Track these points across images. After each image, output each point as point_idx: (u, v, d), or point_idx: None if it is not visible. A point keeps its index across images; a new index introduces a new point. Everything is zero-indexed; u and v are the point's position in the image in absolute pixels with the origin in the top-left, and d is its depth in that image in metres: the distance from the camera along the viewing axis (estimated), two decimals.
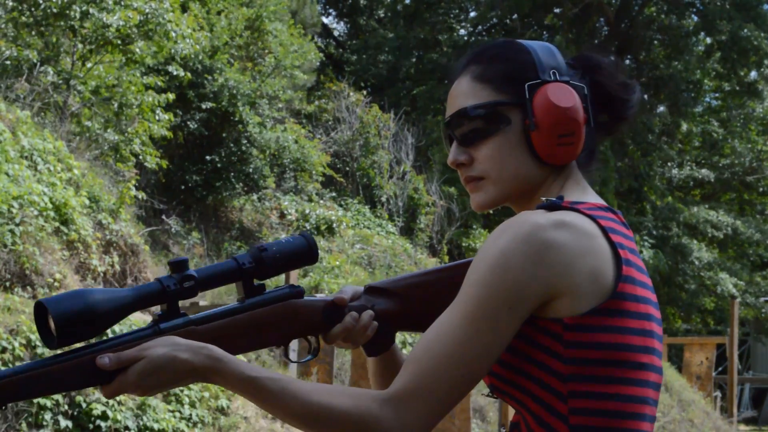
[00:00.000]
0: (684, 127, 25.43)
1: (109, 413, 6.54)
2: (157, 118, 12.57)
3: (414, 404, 1.51)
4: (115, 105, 12.09)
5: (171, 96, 12.72)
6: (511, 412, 8.59)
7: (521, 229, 1.53)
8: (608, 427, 1.54)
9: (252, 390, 1.54)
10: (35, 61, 11.34)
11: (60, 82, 11.45)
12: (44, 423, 6.39)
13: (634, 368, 1.55)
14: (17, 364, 6.44)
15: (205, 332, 1.61)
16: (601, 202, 1.66)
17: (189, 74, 13.82)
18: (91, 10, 11.28)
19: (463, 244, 18.66)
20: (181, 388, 7.08)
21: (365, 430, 1.51)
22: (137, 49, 12.15)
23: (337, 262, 13.57)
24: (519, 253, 1.51)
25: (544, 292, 1.52)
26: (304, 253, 1.70)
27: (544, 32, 26.54)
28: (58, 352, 1.55)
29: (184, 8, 15.16)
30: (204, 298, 12.80)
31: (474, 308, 1.52)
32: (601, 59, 1.74)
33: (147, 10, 11.79)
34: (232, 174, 15.24)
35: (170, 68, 13.49)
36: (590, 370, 1.53)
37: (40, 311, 1.53)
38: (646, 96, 25.42)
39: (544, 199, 1.62)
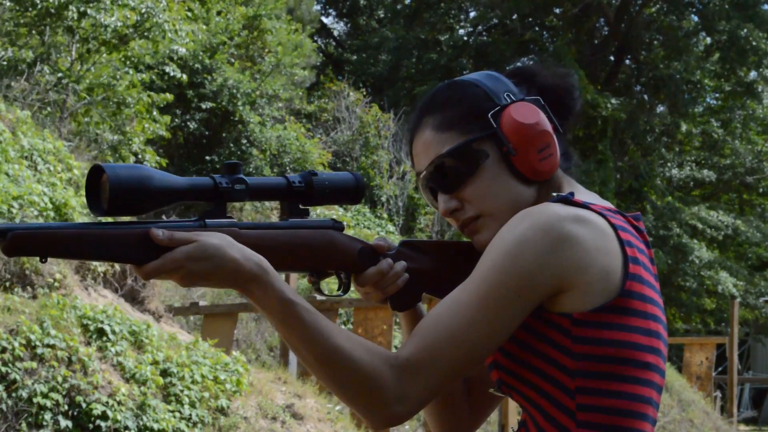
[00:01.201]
0: (684, 127, 25.42)
1: (109, 413, 6.53)
2: (154, 120, 12.55)
3: (416, 377, 1.53)
4: (113, 105, 12.08)
5: (170, 96, 12.69)
6: (512, 412, 8.61)
7: (541, 218, 1.54)
8: (614, 425, 1.55)
9: (285, 314, 1.54)
10: (30, 60, 11.34)
11: (56, 81, 11.44)
12: (44, 423, 6.38)
13: (640, 367, 1.56)
14: (17, 364, 6.45)
15: (247, 237, 1.60)
16: (607, 204, 1.67)
17: (185, 77, 13.79)
18: (89, 11, 11.28)
19: None
20: (181, 387, 7.07)
21: (370, 387, 1.53)
22: (136, 47, 12.15)
23: None
24: (536, 242, 1.53)
25: (556, 283, 1.53)
26: (350, 189, 1.71)
27: (544, 32, 26.54)
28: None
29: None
30: (204, 299, 12.79)
31: (486, 291, 1.53)
32: (530, 66, 1.77)
33: (143, 10, 11.79)
34: None
35: (167, 69, 13.47)
36: (598, 366, 1.54)
37: (95, 176, 1.53)
38: (646, 96, 25.42)
39: (554, 194, 1.64)
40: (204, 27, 14.98)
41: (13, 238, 1.45)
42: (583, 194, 1.68)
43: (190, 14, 15.03)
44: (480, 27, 26.50)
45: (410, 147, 1.76)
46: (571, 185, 1.71)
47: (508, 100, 1.68)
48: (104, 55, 12.13)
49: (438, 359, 1.53)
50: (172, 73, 13.39)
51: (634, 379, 1.55)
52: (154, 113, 12.54)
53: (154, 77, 12.59)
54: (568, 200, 1.60)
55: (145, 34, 11.98)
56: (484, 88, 1.69)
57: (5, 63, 11.26)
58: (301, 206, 1.69)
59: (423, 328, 1.55)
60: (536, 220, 1.54)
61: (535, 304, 1.54)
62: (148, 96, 12.31)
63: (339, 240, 1.71)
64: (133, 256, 1.51)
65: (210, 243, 1.51)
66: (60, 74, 11.45)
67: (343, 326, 12.88)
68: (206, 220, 1.59)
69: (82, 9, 11.24)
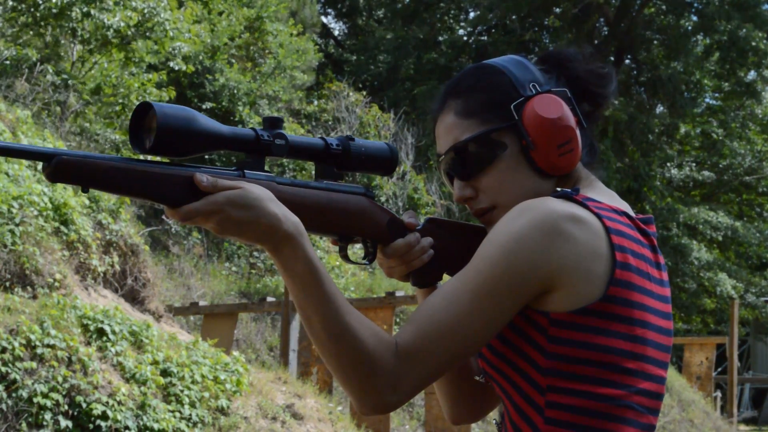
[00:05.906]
0: (683, 128, 25.40)
1: (109, 413, 6.53)
2: None
3: (412, 365, 1.53)
4: (118, 104, 12.09)
5: (172, 91, 12.70)
6: None
7: (538, 215, 1.53)
8: (582, 424, 1.55)
9: (309, 280, 1.53)
10: (34, 60, 11.34)
11: (59, 82, 11.45)
12: (44, 423, 6.38)
13: (616, 371, 1.55)
14: (17, 364, 6.45)
15: (284, 193, 1.59)
16: (615, 204, 1.65)
17: (191, 66, 13.81)
18: (92, 12, 11.29)
19: None
20: (181, 387, 7.07)
21: (368, 370, 1.52)
22: (138, 45, 12.16)
23: (337, 262, 13.57)
24: (532, 238, 1.52)
25: (546, 280, 1.53)
26: (385, 159, 1.71)
27: (544, 32, 26.53)
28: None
29: (181, 3, 15.12)
30: (204, 299, 12.78)
31: (480, 284, 1.53)
32: (569, 52, 1.74)
33: (146, 10, 11.81)
34: None
35: (171, 63, 13.49)
36: (570, 367, 1.54)
37: (141, 114, 1.51)
38: (645, 96, 25.41)
39: (558, 189, 1.63)
40: (207, 32, 14.98)
41: (58, 164, 1.43)
42: (596, 191, 1.67)
43: (197, 20, 15.07)
44: (480, 27, 26.49)
45: (434, 127, 1.75)
46: (589, 180, 1.70)
47: (533, 91, 1.66)
48: (106, 54, 12.14)
49: (432, 351, 1.53)
50: (176, 68, 13.41)
51: (607, 382, 1.55)
52: None
53: (162, 78, 12.58)
54: (569, 196, 1.58)
55: (147, 33, 11.99)
56: (510, 77, 1.67)
57: (7, 63, 11.27)
58: (336, 170, 1.69)
59: (419, 317, 1.55)
60: (533, 216, 1.53)
61: (528, 299, 1.54)
62: (154, 96, 12.32)
63: (370, 208, 1.71)
64: (173, 197, 1.50)
65: (254, 192, 1.50)
66: (64, 76, 11.46)
67: None
68: (245, 171, 1.58)
69: (85, 10, 11.25)
